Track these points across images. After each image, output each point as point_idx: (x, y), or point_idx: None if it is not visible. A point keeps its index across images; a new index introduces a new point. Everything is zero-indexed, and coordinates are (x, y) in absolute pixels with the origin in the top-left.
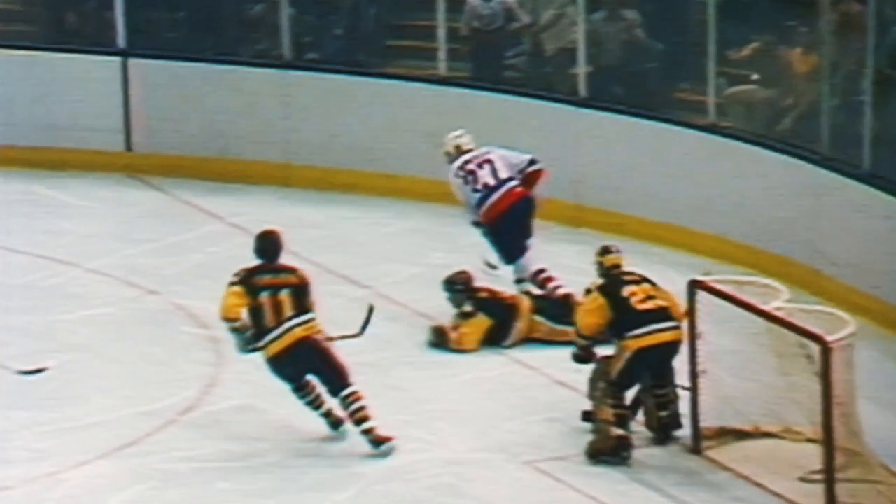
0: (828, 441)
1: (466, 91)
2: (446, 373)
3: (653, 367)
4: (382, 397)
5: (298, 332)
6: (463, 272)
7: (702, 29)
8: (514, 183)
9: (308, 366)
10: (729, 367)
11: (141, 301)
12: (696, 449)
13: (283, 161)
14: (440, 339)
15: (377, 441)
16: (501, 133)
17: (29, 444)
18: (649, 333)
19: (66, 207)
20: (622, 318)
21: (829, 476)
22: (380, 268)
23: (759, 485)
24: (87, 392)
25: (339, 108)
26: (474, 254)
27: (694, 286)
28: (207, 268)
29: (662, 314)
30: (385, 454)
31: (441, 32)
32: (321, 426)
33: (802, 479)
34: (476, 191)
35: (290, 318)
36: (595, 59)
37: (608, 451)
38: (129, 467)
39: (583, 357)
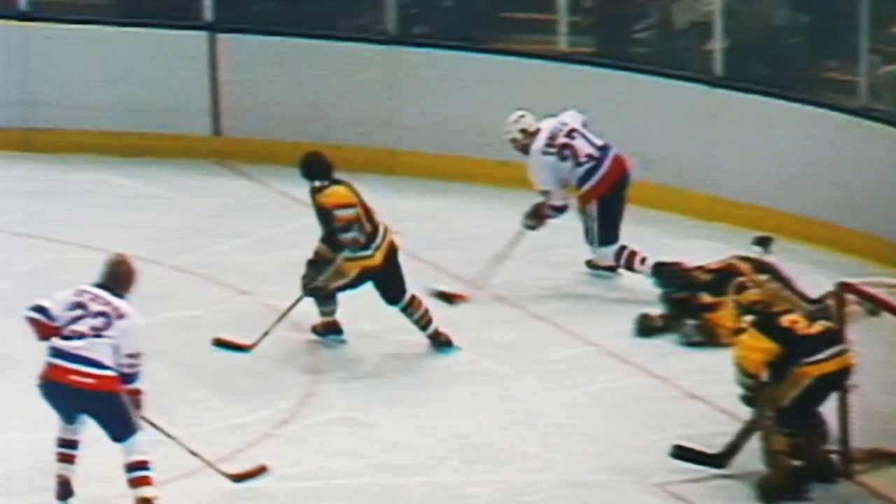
0: None
1: (589, 68)
2: (566, 384)
3: (829, 393)
4: (495, 409)
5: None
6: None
7: (852, 0)
8: (615, 149)
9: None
10: (880, 381)
11: (230, 302)
12: (846, 473)
13: (388, 147)
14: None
15: (444, 344)
16: (626, 114)
17: (107, 461)
18: (830, 358)
19: (146, 198)
20: (792, 348)
21: None
22: (478, 259)
23: None
24: (171, 404)
25: (448, 88)
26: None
27: (842, 289)
28: (304, 265)
29: (834, 336)
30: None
31: (562, 3)
32: (426, 441)
33: None
34: (580, 164)
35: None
36: (732, 34)
37: (786, 487)
38: (218, 486)
39: (753, 399)
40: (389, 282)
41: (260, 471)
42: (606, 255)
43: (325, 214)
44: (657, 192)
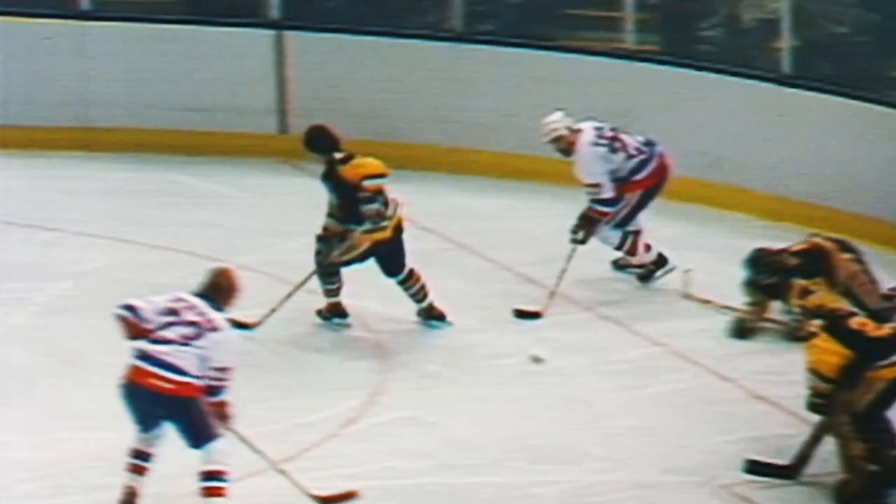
0: None
1: (655, 66)
2: (634, 384)
3: None
4: (562, 409)
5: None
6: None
7: None
8: (661, 146)
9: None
10: None
11: (297, 301)
12: None
13: (454, 145)
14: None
15: (437, 318)
16: (692, 112)
17: (172, 460)
18: None
19: (212, 197)
20: (865, 351)
21: None
22: (559, 265)
23: None
24: (238, 403)
25: (514, 86)
26: (664, 249)
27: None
28: (372, 265)
29: None
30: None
31: (629, 0)
32: (492, 440)
33: None
34: (630, 156)
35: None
36: (800, 32)
37: (865, 492)
38: (286, 485)
39: (823, 406)
40: (393, 255)
41: (348, 496)
42: (614, 236)
43: (344, 187)
44: (724, 192)
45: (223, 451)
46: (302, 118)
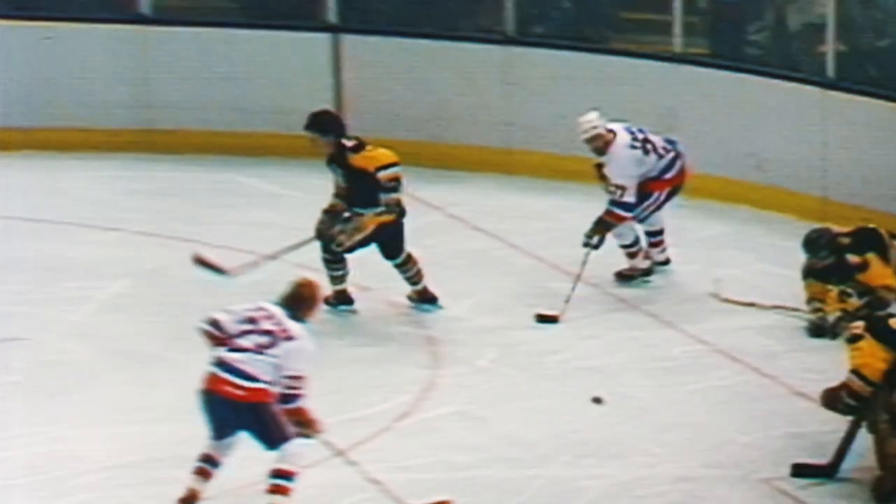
0: None
1: (703, 69)
2: (677, 381)
3: None
4: (612, 408)
5: None
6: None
7: None
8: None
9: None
10: None
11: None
12: None
13: (505, 146)
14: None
15: (430, 300)
16: (739, 114)
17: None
18: None
19: (269, 197)
20: None
21: None
22: (608, 262)
23: None
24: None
25: (565, 88)
26: (708, 248)
27: None
28: (424, 262)
29: None
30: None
31: (677, 4)
32: (540, 435)
33: None
34: (661, 156)
35: None
36: (845, 36)
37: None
38: (339, 478)
39: (858, 409)
40: (395, 238)
41: None
42: (629, 234)
43: (356, 174)
44: (769, 193)
45: (296, 452)
46: (357, 119)
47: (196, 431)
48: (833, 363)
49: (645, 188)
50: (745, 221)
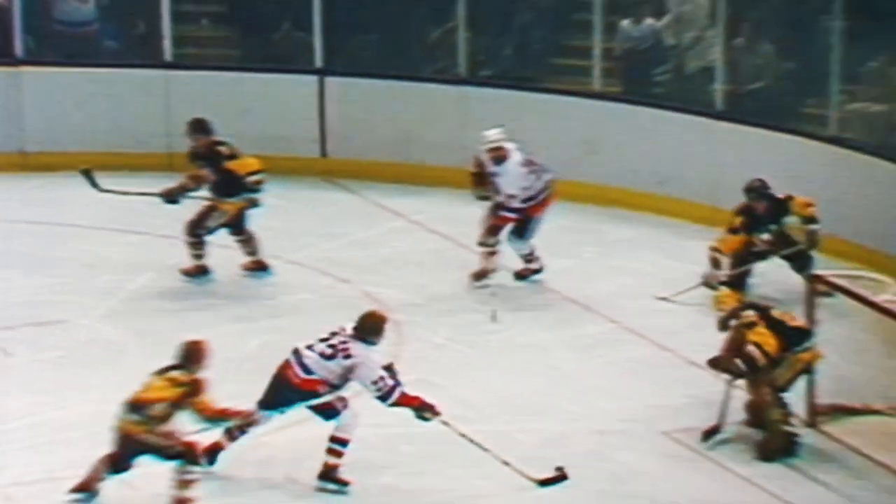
0: None
1: (618, 104)
2: (595, 354)
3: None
4: (543, 375)
5: None
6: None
7: (826, 51)
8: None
9: None
10: (842, 352)
11: (335, 288)
12: (810, 423)
13: (458, 166)
14: None
15: (260, 269)
16: (647, 141)
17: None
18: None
19: (269, 207)
20: (789, 336)
21: None
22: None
23: (866, 455)
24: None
25: (507, 119)
26: (622, 248)
27: (813, 280)
28: (392, 259)
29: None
30: None
31: (597, 52)
32: (487, 399)
33: None
34: (539, 178)
35: None
36: (731, 77)
37: (783, 449)
38: (323, 433)
39: (747, 374)
40: (242, 221)
41: (561, 477)
42: (524, 247)
43: (228, 174)
44: (669, 203)
45: (349, 424)
46: (339, 144)
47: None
48: (720, 338)
49: (529, 210)
50: (651, 226)
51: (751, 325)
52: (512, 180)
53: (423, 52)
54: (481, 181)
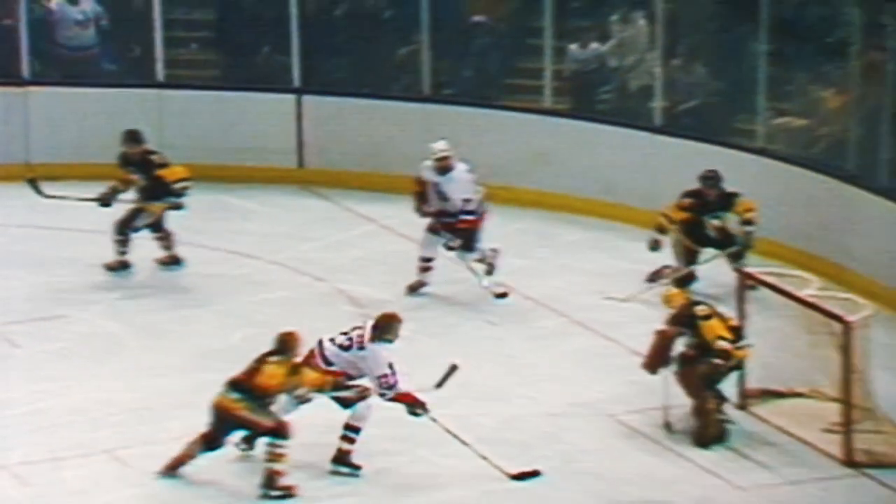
0: (846, 401)
1: (567, 120)
2: (548, 344)
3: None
4: (500, 364)
5: None
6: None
7: (754, 72)
8: None
9: None
10: (769, 341)
11: (311, 286)
12: (741, 405)
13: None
14: None
15: (176, 262)
16: (593, 153)
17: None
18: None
19: (251, 213)
20: (732, 333)
21: (847, 428)
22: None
23: (790, 434)
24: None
25: (469, 133)
26: (573, 250)
27: (743, 276)
28: (364, 260)
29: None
30: None
31: (547, 73)
32: (450, 385)
33: (826, 430)
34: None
35: None
36: (669, 95)
37: (718, 436)
38: (300, 418)
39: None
40: (163, 221)
41: (534, 473)
42: (474, 257)
43: (158, 180)
44: (614, 209)
45: (362, 413)
46: (315, 157)
47: (196, 385)
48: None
49: (471, 224)
50: (598, 229)
51: (707, 317)
52: (463, 186)
53: (391, 73)
54: (423, 198)
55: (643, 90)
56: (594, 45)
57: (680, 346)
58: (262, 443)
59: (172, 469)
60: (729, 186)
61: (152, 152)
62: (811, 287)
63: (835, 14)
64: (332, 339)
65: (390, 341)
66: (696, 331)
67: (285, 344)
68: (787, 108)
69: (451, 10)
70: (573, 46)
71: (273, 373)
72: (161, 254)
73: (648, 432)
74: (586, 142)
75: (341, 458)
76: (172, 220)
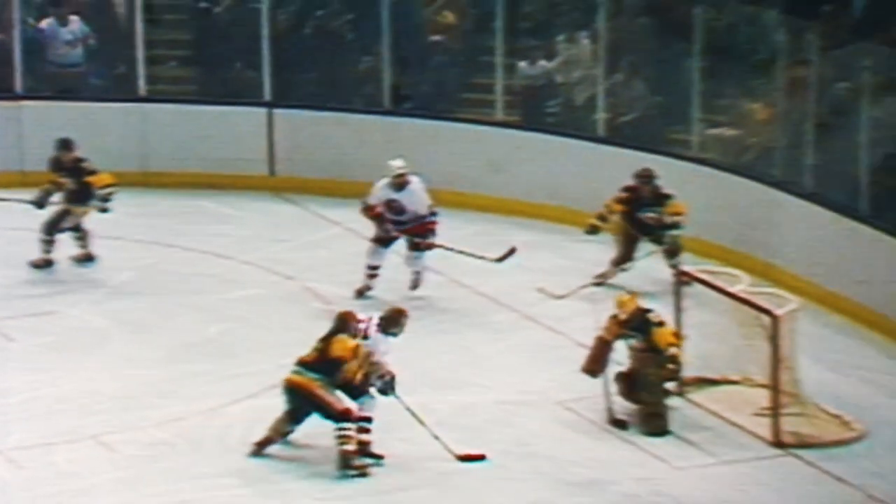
0: (775, 387)
1: (518, 131)
2: (499, 337)
3: None
4: (456, 354)
5: None
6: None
7: (689, 86)
8: None
9: None
10: (704, 334)
11: (281, 284)
12: (679, 392)
13: None
14: None
15: (90, 259)
16: (541, 163)
17: (197, 388)
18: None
19: (226, 216)
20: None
21: (775, 412)
22: (454, 260)
23: (724, 418)
24: (240, 351)
25: (427, 144)
26: (523, 252)
27: (679, 274)
28: (330, 260)
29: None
30: None
31: (499, 88)
32: (409, 374)
33: (756, 414)
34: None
35: None
36: (611, 108)
37: (667, 427)
38: (272, 405)
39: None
40: (82, 223)
41: (480, 457)
42: (421, 263)
43: (85, 185)
44: (561, 213)
45: (370, 403)
46: (285, 166)
47: (176, 375)
48: (603, 324)
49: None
50: (546, 231)
51: (660, 323)
52: (421, 198)
53: (355, 88)
54: (382, 219)
55: (587, 104)
56: (542, 63)
57: (622, 351)
58: (331, 427)
59: (261, 447)
60: (668, 190)
61: (82, 160)
62: (742, 284)
63: (762, 34)
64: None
65: (395, 335)
66: (649, 336)
67: (345, 322)
68: (719, 119)
69: (411, 31)
70: (523, 64)
71: (344, 345)
72: (77, 251)
73: (593, 417)
74: (535, 151)
75: (363, 451)
76: (158, 225)
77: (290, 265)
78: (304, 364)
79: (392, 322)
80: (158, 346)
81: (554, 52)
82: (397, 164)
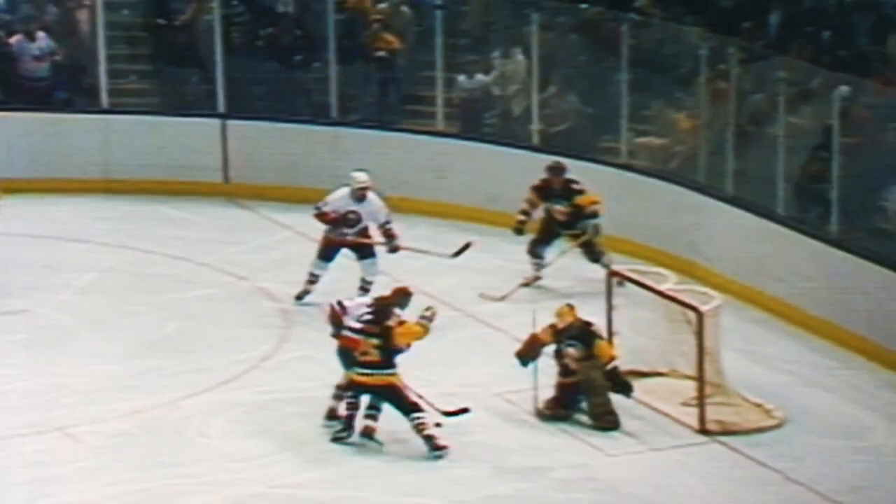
0: (700, 378)
1: (457, 141)
2: (441, 334)
3: None
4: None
5: None
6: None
7: (617, 98)
8: None
9: None
10: (635, 329)
11: (234, 285)
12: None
13: (332, 188)
14: None
15: None
16: (480, 169)
17: (157, 382)
18: None
19: (183, 221)
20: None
21: (701, 402)
22: (396, 261)
23: (653, 408)
24: (197, 347)
25: (372, 152)
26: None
27: (610, 274)
28: (281, 262)
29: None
30: None
31: (439, 101)
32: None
33: (683, 404)
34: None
35: None
36: (545, 119)
37: (619, 423)
38: (227, 398)
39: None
40: None
41: (463, 411)
42: (375, 269)
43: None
44: (499, 217)
45: None
46: (238, 173)
47: (137, 370)
48: (540, 321)
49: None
50: (485, 234)
51: (601, 336)
52: (383, 209)
53: (304, 100)
54: (323, 217)
55: (523, 115)
56: (479, 77)
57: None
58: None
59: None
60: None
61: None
62: (669, 282)
63: (685, 49)
64: (347, 303)
65: (402, 309)
66: (591, 347)
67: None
68: (646, 129)
69: (356, 46)
70: (461, 77)
71: (409, 330)
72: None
73: (530, 408)
74: (474, 159)
75: (368, 434)
76: (120, 229)
77: (243, 266)
78: (369, 365)
79: (396, 302)
80: (121, 342)
81: (490, 67)
82: (361, 177)
